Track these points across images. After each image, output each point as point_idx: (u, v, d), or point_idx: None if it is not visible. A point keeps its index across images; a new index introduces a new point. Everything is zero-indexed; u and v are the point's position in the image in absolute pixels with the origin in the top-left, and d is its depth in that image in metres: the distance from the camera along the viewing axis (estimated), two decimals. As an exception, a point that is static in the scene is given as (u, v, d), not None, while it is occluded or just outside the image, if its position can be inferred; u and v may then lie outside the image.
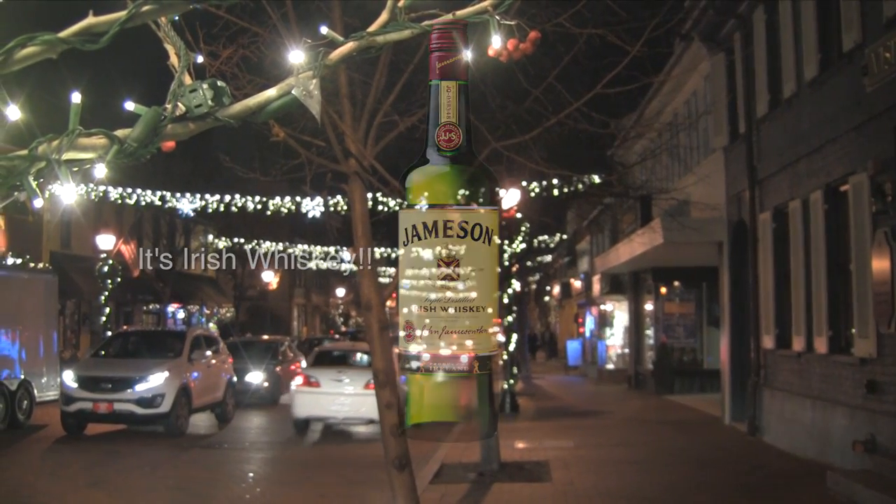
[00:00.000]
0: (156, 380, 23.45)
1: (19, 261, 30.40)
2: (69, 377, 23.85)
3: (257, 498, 16.62)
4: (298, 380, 25.66)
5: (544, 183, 22.02)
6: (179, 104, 3.07)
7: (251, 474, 18.89)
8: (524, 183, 20.11)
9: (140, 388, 23.28)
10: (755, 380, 22.06)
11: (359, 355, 26.72)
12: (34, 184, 3.01)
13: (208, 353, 26.96)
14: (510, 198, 20.04)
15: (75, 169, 3.06)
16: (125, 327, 38.47)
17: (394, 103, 11.12)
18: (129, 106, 3.11)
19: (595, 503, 14.98)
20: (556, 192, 22.80)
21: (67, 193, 2.99)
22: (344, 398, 24.31)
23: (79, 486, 16.81)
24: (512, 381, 31.25)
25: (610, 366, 47.62)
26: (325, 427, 26.07)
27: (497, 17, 3.02)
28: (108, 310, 39.04)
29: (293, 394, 25.59)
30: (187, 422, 24.40)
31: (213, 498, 16.20)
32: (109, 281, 37.92)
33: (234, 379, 28.51)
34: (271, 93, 3.14)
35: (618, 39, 11.56)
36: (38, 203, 3.08)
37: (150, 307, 53.62)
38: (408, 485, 10.72)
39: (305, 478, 18.55)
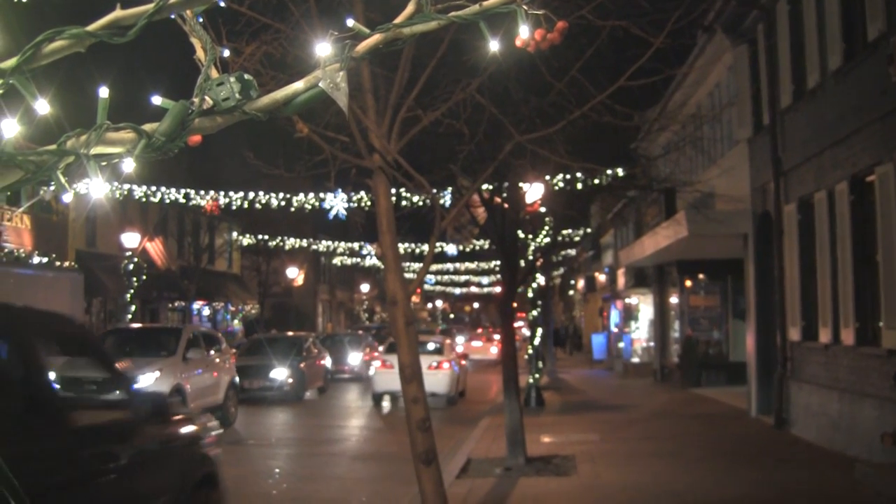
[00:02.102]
0: (145, 380, 21.98)
1: (45, 259, 30.59)
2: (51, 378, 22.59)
3: (284, 493, 16.64)
4: (377, 363, 32.35)
5: (568, 176, 21.99)
6: (207, 98, 3.07)
7: (277, 470, 18.92)
8: (548, 177, 20.08)
9: None
10: (781, 372, 21.98)
11: (420, 345, 30.90)
12: (63, 178, 3.02)
13: (211, 352, 26.04)
14: (534, 192, 20.03)
15: (104, 163, 3.07)
16: (134, 324, 38.02)
17: (417, 98, 11.11)
18: (157, 100, 3.12)
19: (622, 497, 14.94)
20: (579, 185, 22.77)
21: (96, 188, 3.00)
22: None
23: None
24: (537, 376, 31.25)
25: (635, 359, 47.56)
26: (356, 421, 27.27)
27: (524, 7, 3.02)
28: (133, 307, 39.15)
29: (373, 374, 32.49)
30: None
31: (240, 493, 16.21)
32: (135, 279, 38.08)
33: (237, 380, 27.57)
34: (298, 85, 3.14)
35: (641, 31, 11.52)
36: (66, 198, 3.09)
37: (176, 304, 53.76)
38: (435, 479, 10.73)
39: (332, 473, 18.59)
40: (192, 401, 23.51)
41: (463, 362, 37.07)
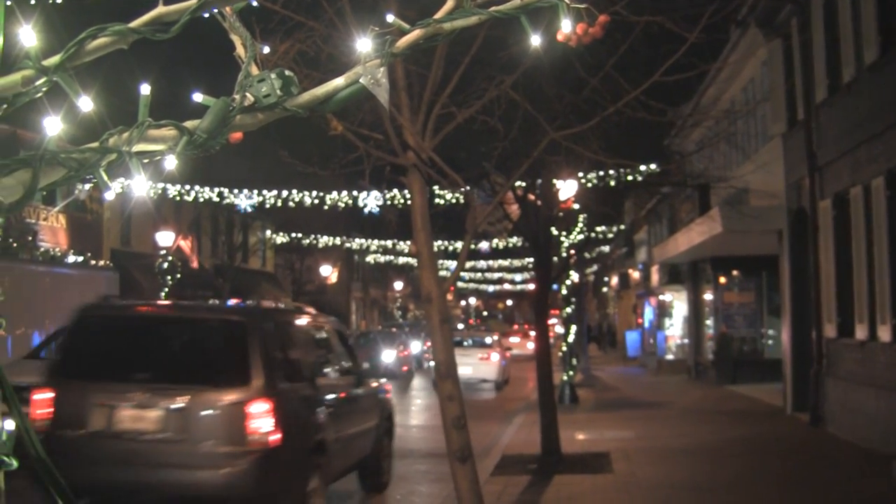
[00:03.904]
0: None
1: (81, 258, 30.75)
2: None
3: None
4: None
5: (601, 173, 21.94)
6: (248, 94, 3.08)
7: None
8: (581, 174, 20.04)
9: None
10: (817, 369, 21.84)
11: (472, 340, 42.13)
12: (105, 176, 3.03)
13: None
14: (567, 189, 19.99)
15: (146, 161, 3.08)
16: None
17: (451, 95, 11.11)
18: (198, 97, 3.13)
19: (657, 494, 14.91)
20: (612, 182, 22.72)
21: (138, 185, 3.01)
22: (466, 366, 35.37)
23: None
24: (571, 373, 31.21)
25: (669, 356, 47.41)
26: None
27: (566, 1, 3.00)
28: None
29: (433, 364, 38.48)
30: None
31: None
32: (169, 277, 38.19)
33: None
34: (339, 82, 3.14)
35: (675, 27, 11.47)
36: (109, 195, 3.10)
37: (210, 303, 53.80)
38: (470, 477, 10.73)
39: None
40: None
41: (507, 354, 44.68)
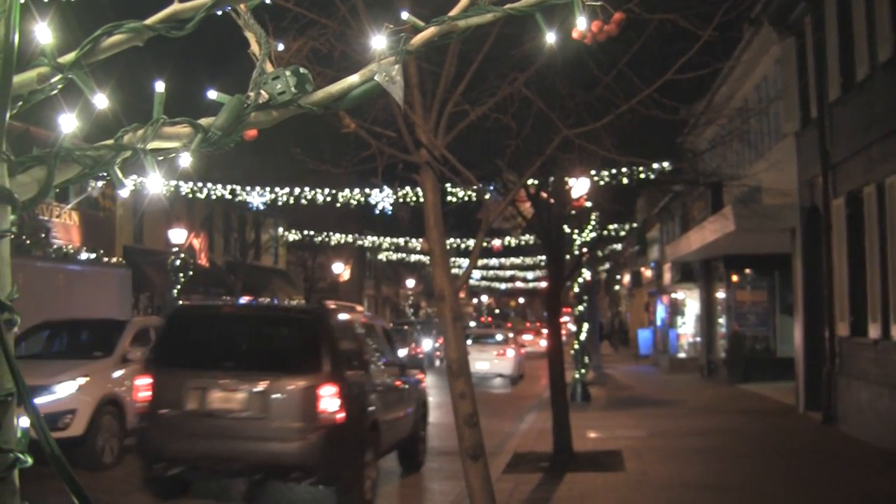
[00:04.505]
0: (64, 389, 17.19)
1: (93, 255, 30.81)
2: None
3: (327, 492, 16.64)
4: None
5: (613, 171, 21.91)
6: (262, 92, 3.08)
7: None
8: (593, 171, 20.01)
9: (40, 402, 15.99)
10: (830, 368, 21.79)
11: (489, 337, 45.69)
12: (120, 173, 3.04)
13: None
14: (580, 187, 19.96)
15: (160, 158, 3.09)
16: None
17: (464, 93, 11.09)
18: (212, 94, 3.13)
19: (669, 493, 14.88)
20: (625, 180, 22.68)
21: (153, 182, 3.02)
22: (484, 361, 41.59)
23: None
24: (583, 371, 31.18)
25: (681, 355, 47.36)
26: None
27: (581, -1, 2.99)
28: (180, 303, 39.34)
29: None
30: (117, 450, 17.85)
31: (289, 489, 16.26)
32: (181, 274, 38.27)
33: None
34: (354, 79, 3.14)
35: (688, 24, 11.44)
36: (123, 193, 3.11)
37: (222, 300, 53.89)
38: (482, 475, 10.71)
39: (379, 469, 18.58)
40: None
41: (522, 351, 47.74)
